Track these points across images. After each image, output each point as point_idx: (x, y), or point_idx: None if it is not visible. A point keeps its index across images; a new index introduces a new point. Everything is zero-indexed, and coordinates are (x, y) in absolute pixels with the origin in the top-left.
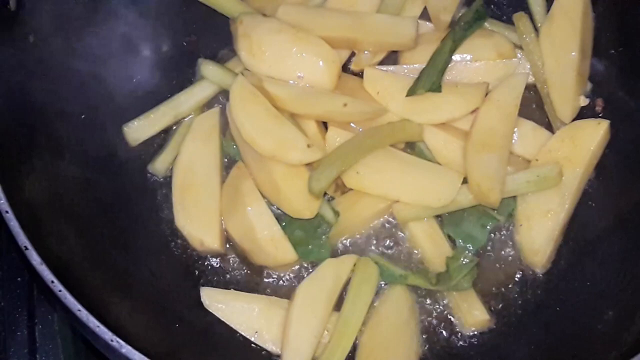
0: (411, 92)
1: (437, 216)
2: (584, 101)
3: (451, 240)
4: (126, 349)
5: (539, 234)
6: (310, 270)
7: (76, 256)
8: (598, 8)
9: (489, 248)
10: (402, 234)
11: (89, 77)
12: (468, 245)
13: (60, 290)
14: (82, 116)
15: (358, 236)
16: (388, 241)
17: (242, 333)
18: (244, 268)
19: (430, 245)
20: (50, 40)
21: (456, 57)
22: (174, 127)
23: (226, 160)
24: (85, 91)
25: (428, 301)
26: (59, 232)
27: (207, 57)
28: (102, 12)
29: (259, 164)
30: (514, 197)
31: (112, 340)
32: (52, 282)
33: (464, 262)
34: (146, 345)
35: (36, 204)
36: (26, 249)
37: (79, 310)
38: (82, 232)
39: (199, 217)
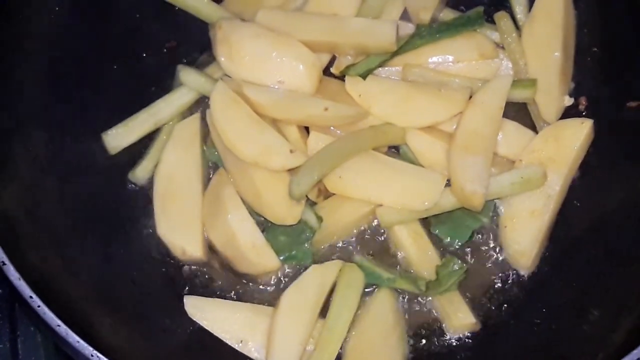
0: (344, 71)
1: (423, 218)
2: (568, 101)
3: (436, 240)
4: None
5: (523, 235)
6: (295, 277)
7: (56, 269)
8: (580, 6)
9: (474, 250)
10: (387, 238)
11: (67, 83)
12: (456, 242)
13: (39, 306)
14: (60, 125)
15: (343, 240)
16: (373, 245)
17: (227, 342)
18: (228, 276)
19: (415, 248)
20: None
21: (438, 58)
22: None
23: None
24: (63, 98)
25: (413, 304)
26: (37, 245)
27: (187, 62)
28: (83, 19)
29: (241, 170)
30: None
31: (92, 356)
32: (31, 297)
33: (454, 269)
34: (129, 357)
35: (13, 217)
36: (3, 264)
37: (58, 325)
38: (61, 244)
39: (180, 226)
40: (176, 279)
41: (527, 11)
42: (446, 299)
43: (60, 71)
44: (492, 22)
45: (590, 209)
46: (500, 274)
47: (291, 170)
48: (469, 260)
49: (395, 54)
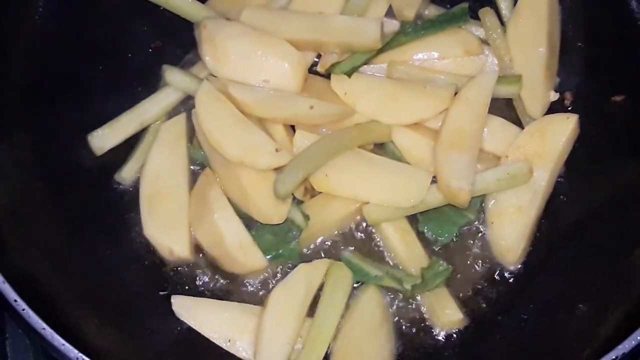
0: (330, 70)
1: (410, 215)
2: (554, 96)
3: (423, 237)
4: None
5: (510, 231)
6: (283, 276)
7: (41, 271)
8: (564, 1)
9: (461, 247)
10: (375, 235)
11: (52, 85)
12: (443, 239)
13: (23, 309)
14: (46, 126)
15: (331, 239)
16: (361, 243)
17: (215, 341)
18: (215, 275)
19: (403, 245)
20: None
21: (423, 55)
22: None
23: (196, 167)
24: (48, 100)
25: (401, 301)
26: (23, 247)
27: (172, 62)
28: (67, 20)
29: (227, 170)
30: None
31: (77, 359)
32: (15, 300)
33: (439, 270)
34: (116, 359)
35: None
36: None
37: (44, 328)
38: (47, 246)
39: (167, 226)
40: (163, 279)
41: (512, 7)
42: (434, 296)
43: (45, 72)
44: (477, 18)
45: (576, 204)
46: (487, 270)
47: (277, 169)
48: (456, 256)
49: (380, 51)
